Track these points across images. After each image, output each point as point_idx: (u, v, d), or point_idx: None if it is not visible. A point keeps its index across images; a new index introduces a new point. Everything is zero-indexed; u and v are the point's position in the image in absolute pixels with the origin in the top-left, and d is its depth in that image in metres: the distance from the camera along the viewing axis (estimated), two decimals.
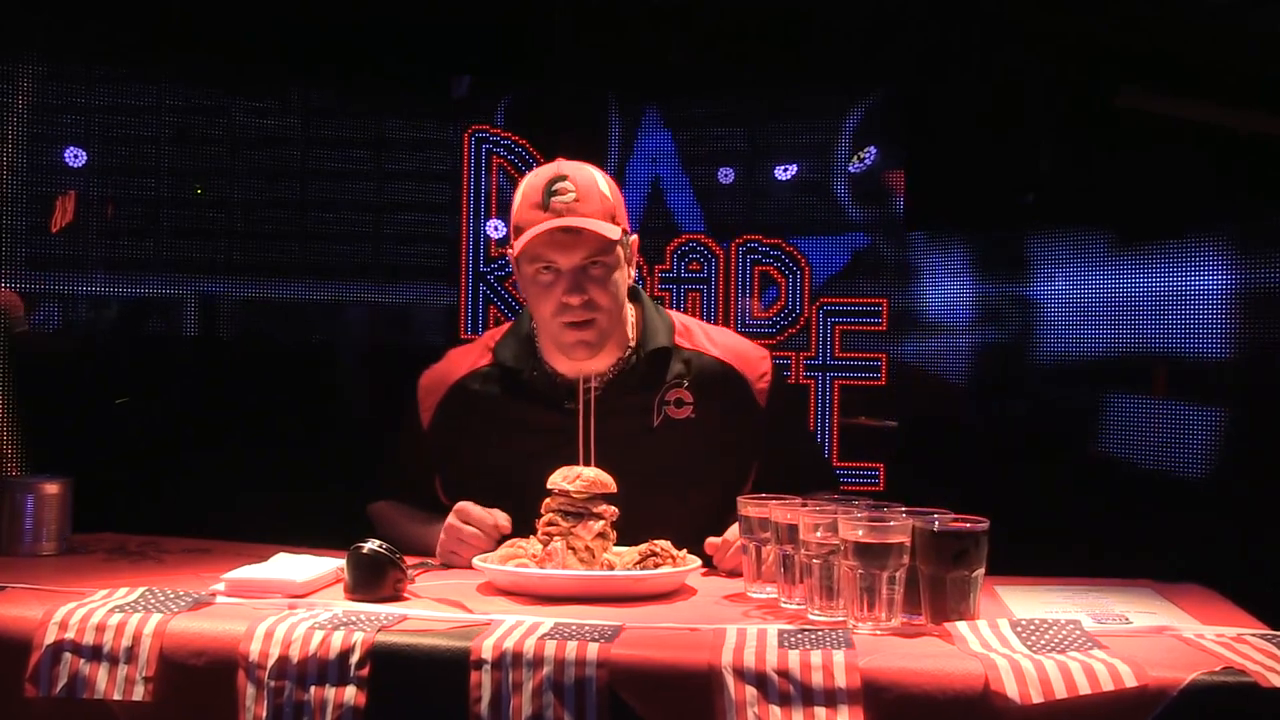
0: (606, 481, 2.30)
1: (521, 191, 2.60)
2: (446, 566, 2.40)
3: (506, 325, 2.81)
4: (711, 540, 2.43)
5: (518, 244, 2.56)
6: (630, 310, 2.70)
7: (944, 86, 4.31)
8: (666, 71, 4.32)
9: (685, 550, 2.31)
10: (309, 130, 4.46)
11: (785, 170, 4.48)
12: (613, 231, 2.54)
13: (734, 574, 2.38)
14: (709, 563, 2.41)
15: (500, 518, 2.43)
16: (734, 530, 2.36)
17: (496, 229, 4.49)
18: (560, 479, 2.29)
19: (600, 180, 2.60)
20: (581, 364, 2.63)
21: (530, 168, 4.45)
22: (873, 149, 4.43)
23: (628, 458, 2.54)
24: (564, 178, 2.55)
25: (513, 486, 2.49)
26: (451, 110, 4.56)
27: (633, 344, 2.68)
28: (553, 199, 2.53)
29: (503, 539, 2.38)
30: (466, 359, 2.76)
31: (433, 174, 4.57)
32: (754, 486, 2.64)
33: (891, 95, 4.42)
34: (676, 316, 2.77)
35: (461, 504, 2.47)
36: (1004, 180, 4.35)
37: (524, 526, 2.36)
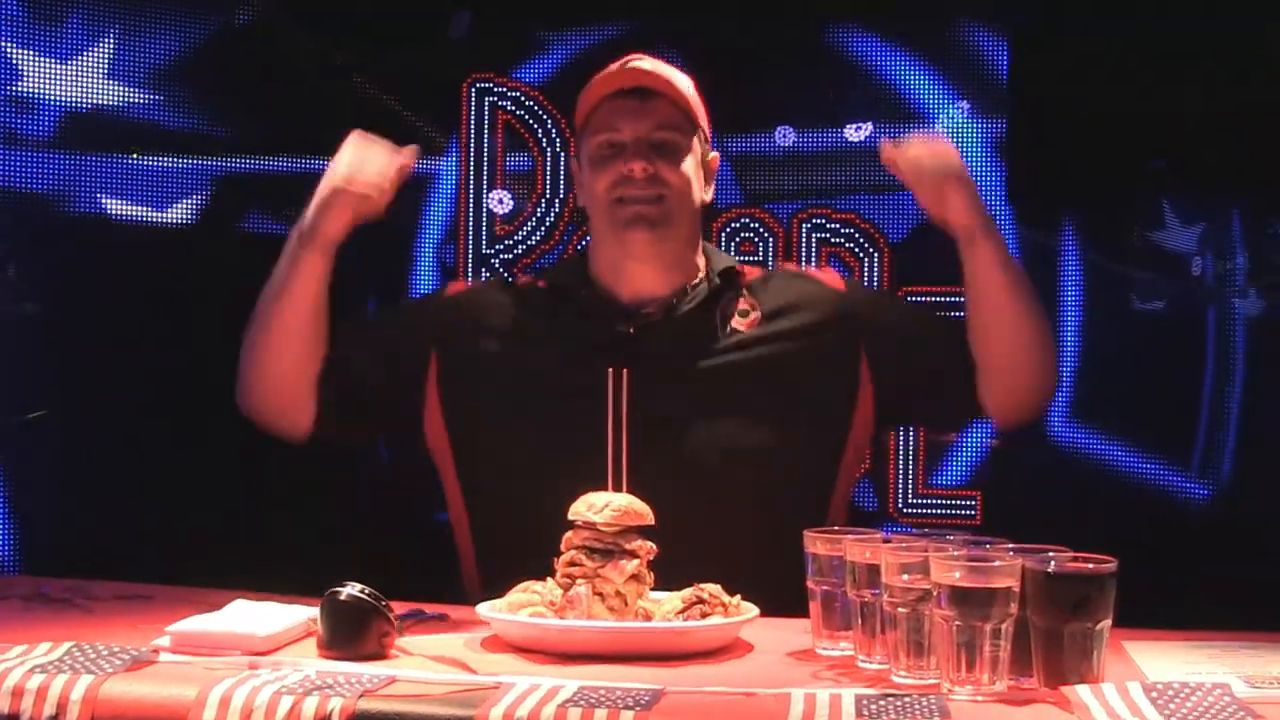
0: (642, 512, 2.27)
1: (592, 79, 2.72)
2: (438, 616, 2.39)
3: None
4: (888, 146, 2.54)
5: (580, 117, 2.69)
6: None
7: (1058, 28, 4.28)
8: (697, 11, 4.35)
9: (739, 597, 2.28)
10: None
11: (859, 129, 4.46)
12: (688, 104, 2.67)
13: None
14: (767, 607, 2.37)
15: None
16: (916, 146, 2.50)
17: (501, 203, 4.49)
18: (584, 508, 2.26)
19: (683, 78, 2.72)
20: (640, 284, 2.69)
21: (544, 127, 4.45)
22: (965, 105, 4.41)
23: (677, 392, 2.63)
24: (640, 58, 2.70)
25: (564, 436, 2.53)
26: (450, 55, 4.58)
27: (703, 273, 2.76)
28: (624, 68, 2.67)
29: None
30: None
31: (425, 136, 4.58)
32: (882, 416, 2.72)
33: (992, 37, 4.40)
34: None
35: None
36: (1129, 142, 4.32)
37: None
